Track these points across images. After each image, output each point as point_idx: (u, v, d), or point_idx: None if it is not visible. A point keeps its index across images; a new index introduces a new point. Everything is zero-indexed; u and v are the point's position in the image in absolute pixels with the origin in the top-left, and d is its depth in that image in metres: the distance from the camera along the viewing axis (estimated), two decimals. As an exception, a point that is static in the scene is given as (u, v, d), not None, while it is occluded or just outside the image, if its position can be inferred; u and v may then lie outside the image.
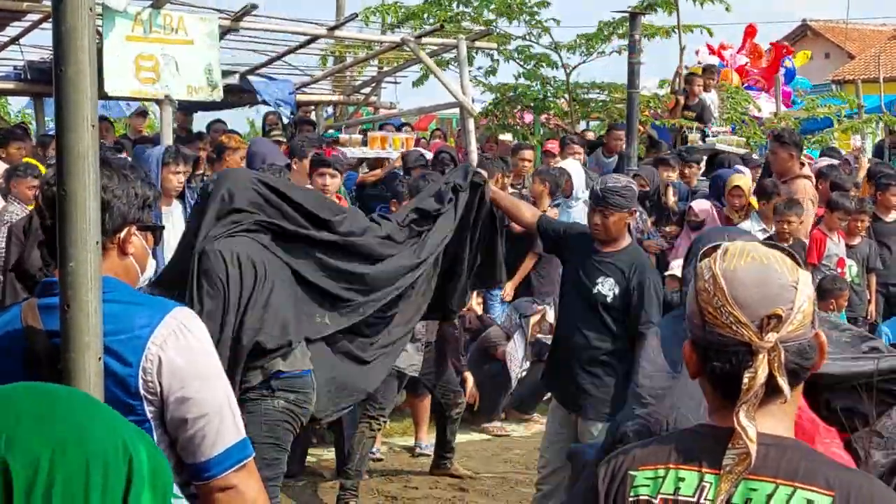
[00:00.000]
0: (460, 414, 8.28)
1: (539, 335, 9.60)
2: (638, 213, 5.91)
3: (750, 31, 19.67)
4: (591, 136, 15.99)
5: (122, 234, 2.77)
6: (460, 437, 9.23)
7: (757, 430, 2.02)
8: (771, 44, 19.88)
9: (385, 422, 7.98)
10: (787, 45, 21.08)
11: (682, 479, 2.07)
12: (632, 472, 2.13)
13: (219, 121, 14.48)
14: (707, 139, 14.13)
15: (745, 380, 2.02)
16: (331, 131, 15.23)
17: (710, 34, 16.82)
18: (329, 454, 8.32)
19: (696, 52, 18.33)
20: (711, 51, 18.50)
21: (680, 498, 2.06)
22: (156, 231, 2.90)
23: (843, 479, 2.00)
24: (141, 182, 2.79)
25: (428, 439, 8.78)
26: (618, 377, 5.86)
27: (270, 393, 5.16)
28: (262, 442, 4.99)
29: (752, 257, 2.09)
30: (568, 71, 16.32)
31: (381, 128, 15.38)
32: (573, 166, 10.90)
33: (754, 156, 13.94)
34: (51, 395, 1.57)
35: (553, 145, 13.45)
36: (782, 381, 2.02)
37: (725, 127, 15.03)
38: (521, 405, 9.87)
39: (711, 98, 15.08)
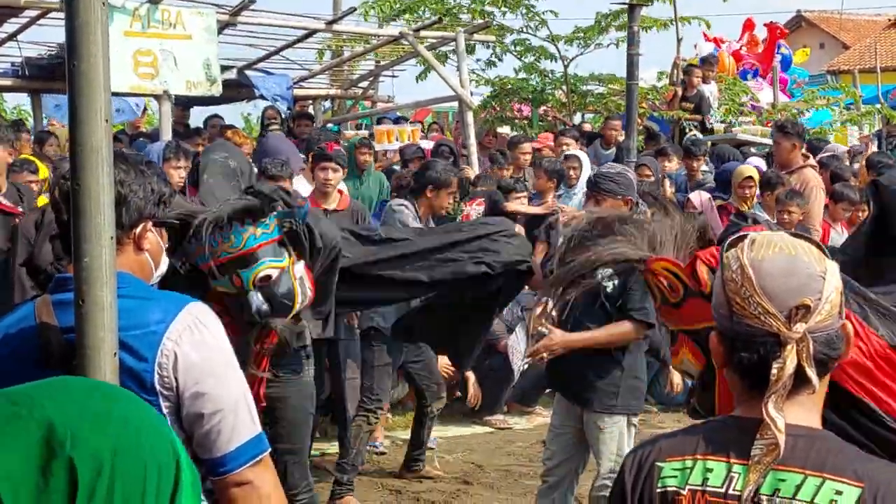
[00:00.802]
0: (440, 410, 8.19)
1: (541, 328, 9.57)
2: (638, 204, 5.83)
3: (748, 26, 19.69)
4: (587, 128, 16.01)
5: (139, 230, 2.75)
6: (463, 431, 9.25)
7: (785, 420, 2.01)
8: (765, 24, 19.86)
9: (382, 414, 7.95)
10: (780, 26, 21.03)
11: (710, 470, 2.06)
12: (659, 464, 2.12)
13: (216, 116, 14.46)
14: (732, 129, 14.12)
15: (774, 370, 2.01)
16: (329, 125, 15.22)
17: (708, 26, 16.86)
18: (333, 448, 8.30)
19: (695, 46, 18.34)
20: (707, 38, 18.50)
21: (708, 489, 2.05)
22: (171, 229, 2.89)
23: (872, 471, 2.00)
24: (157, 178, 2.78)
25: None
26: (622, 368, 5.84)
27: (305, 362, 5.20)
28: (304, 413, 5.11)
29: (780, 247, 2.07)
30: (566, 63, 16.32)
31: (378, 122, 15.38)
32: (582, 156, 10.92)
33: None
34: (105, 392, 1.57)
35: (546, 137, 13.47)
36: (811, 372, 2.01)
37: (724, 118, 15.04)
38: (524, 398, 9.87)
39: (710, 89, 15.10)
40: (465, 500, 7.53)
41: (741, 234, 2.16)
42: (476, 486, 7.80)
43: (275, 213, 4.19)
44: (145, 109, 16.46)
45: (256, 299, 4.10)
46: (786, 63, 19.75)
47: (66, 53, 2.38)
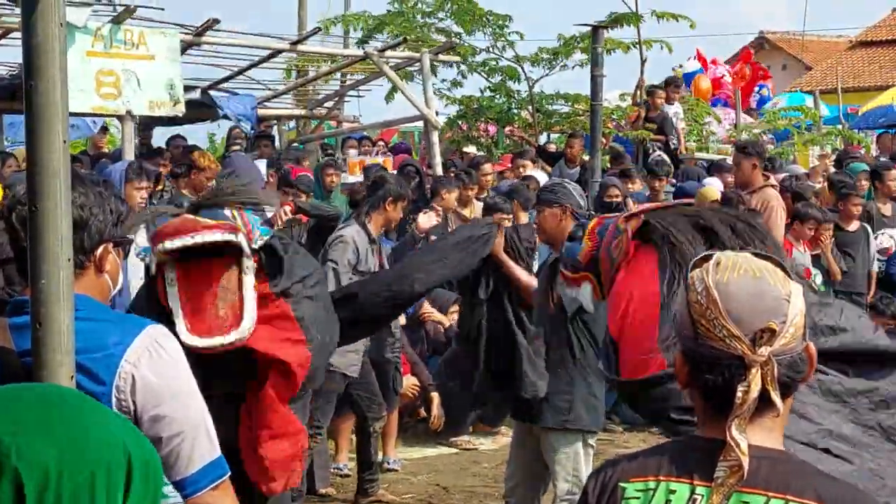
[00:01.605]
0: (381, 429, 8.13)
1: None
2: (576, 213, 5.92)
3: (745, 57, 19.93)
4: (552, 147, 16.07)
5: (100, 252, 2.73)
6: (429, 452, 9.21)
7: (748, 442, 2.01)
8: (751, 63, 20.13)
9: (323, 438, 7.83)
10: (764, 68, 21.33)
11: (673, 492, 2.06)
12: (622, 485, 2.11)
13: (178, 136, 14.40)
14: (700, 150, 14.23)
15: (739, 394, 2.00)
16: (295, 145, 15.19)
17: (670, 50, 16.98)
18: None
19: (689, 59, 18.53)
20: (700, 56, 18.70)
21: None
22: (125, 245, 2.86)
23: (834, 492, 2.00)
24: (115, 198, 2.76)
25: (395, 454, 8.74)
26: (575, 385, 5.85)
27: None
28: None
29: (745, 269, 2.07)
30: (531, 84, 16.39)
31: (343, 143, 15.36)
32: (541, 176, 10.95)
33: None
34: (49, 397, 1.56)
35: (507, 159, 13.56)
36: (775, 396, 2.01)
37: (688, 139, 15.16)
38: (489, 418, 9.83)
39: (675, 110, 15.20)
40: (430, 522, 7.52)
41: (706, 253, 2.16)
42: (441, 508, 7.78)
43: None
44: (106, 128, 16.35)
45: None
46: (761, 102, 20.03)
47: (24, 74, 2.36)
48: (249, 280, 4.00)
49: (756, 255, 2.14)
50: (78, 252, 2.56)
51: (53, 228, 2.35)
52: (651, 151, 14.13)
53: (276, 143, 15.67)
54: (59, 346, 2.37)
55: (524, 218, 9.45)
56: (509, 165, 13.56)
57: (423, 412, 9.42)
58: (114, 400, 2.55)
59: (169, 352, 2.63)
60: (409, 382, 8.93)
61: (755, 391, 2.00)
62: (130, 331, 2.60)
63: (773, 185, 9.70)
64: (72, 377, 2.38)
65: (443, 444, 9.48)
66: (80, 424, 1.50)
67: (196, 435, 2.62)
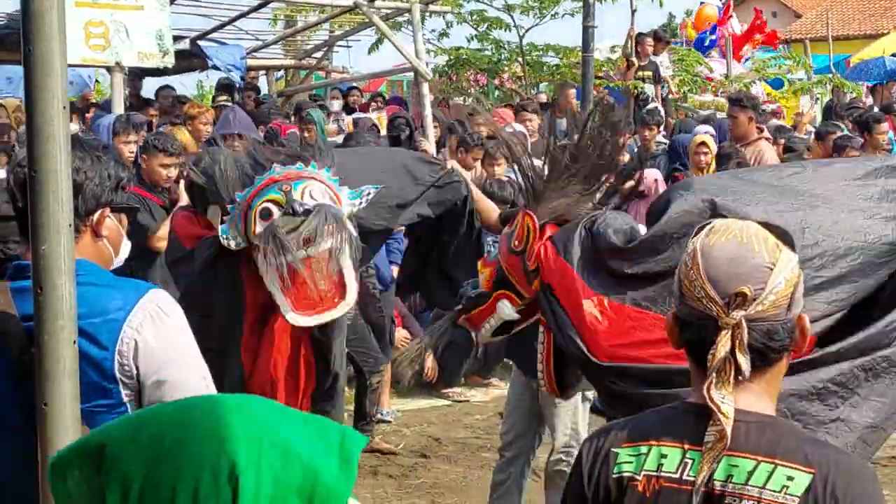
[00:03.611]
0: (381, 383, 8.16)
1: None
2: None
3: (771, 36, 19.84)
4: (542, 97, 15.98)
5: (96, 217, 2.73)
6: (421, 404, 9.26)
7: (737, 407, 2.05)
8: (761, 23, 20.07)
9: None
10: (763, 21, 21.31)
11: (665, 456, 2.10)
12: (615, 450, 2.15)
13: (167, 86, 14.30)
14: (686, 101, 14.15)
15: (710, 355, 2.05)
16: (283, 97, 15.13)
17: (661, 3, 16.88)
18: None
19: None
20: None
21: (663, 474, 2.08)
22: (129, 213, 2.86)
23: (823, 455, 2.03)
24: (114, 163, 2.75)
25: (389, 405, 8.79)
26: None
27: None
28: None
29: (734, 235, 2.11)
30: (521, 34, 16.30)
31: (332, 92, 15.28)
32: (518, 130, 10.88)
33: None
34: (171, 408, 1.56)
35: (505, 113, 13.39)
36: (742, 359, 2.05)
37: (679, 88, 15.08)
38: (480, 369, 9.89)
39: (660, 59, 15.09)
40: (422, 473, 7.56)
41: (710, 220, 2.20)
42: (433, 460, 7.83)
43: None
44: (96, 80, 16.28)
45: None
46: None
47: (22, 38, 2.34)
48: (346, 250, 4.01)
49: (763, 224, 2.16)
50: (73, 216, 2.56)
51: (54, 194, 2.35)
52: (650, 100, 13.96)
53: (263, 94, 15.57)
54: (60, 310, 2.38)
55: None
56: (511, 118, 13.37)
57: (416, 364, 9.44)
58: (116, 365, 2.56)
59: (171, 317, 2.63)
60: (400, 335, 8.94)
61: (721, 352, 2.04)
62: (133, 295, 2.60)
63: (766, 138, 9.68)
64: (73, 342, 2.40)
65: (435, 395, 9.53)
66: (171, 438, 1.46)
67: None
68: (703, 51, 17.56)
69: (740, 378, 2.05)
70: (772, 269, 2.06)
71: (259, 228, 3.94)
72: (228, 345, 4.12)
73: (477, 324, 4.33)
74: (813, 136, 12.25)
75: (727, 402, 2.03)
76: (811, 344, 3.06)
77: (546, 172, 4.08)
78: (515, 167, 4.28)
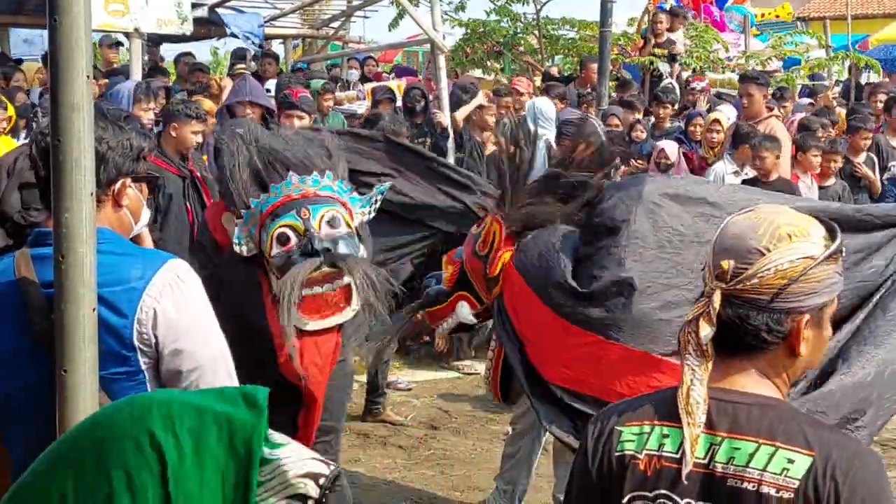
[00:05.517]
0: (391, 355, 8.19)
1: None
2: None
3: None
4: (554, 70, 15.91)
5: (117, 186, 2.75)
6: (429, 376, 9.30)
7: (734, 388, 2.10)
8: None
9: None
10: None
11: (667, 436, 2.13)
12: (618, 428, 2.19)
13: (187, 53, 14.30)
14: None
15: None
16: (300, 64, 15.11)
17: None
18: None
19: None
20: None
21: (664, 454, 2.12)
22: (150, 182, 2.88)
23: (824, 439, 2.05)
24: (136, 133, 2.77)
25: (402, 374, 8.84)
26: None
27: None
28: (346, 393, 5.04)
29: (754, 216, 2.14)
30: (538, 6, 16.23)
31: (349, 62, 15.27)
32: (543, 102, 10.89)
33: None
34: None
35: (520, 83, 13.32)
36: (704, 323, 2.08)
37: (696, 65, 15.00)
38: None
39: (677, 36, 15.02)
40: (432, 444, 7.61)
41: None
42: (443, 431, 7.88)
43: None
44: (120, 43, 16.28)
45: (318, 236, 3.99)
46: (721, 1, 19.59)
47: (48, 10, 2.36)
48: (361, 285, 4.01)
49: (797, 208, 2.22)
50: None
51: (77, 163, 2.37)
52: (665, 77, 13.93)
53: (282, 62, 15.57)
54: (80, 278, 2.41)
55: None
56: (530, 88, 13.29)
57: (426, 336, 9.47)
58: (135, 333, 2.59)
59: (190, 286, 2.66)
60: (411, 306, 8.98)
61: (691, 315, 2.11)
62: (153, 265, 2.63)
63: (777, 116, 9.64)
64: (93, 309, 2.43)
65: (444, 367, 9.56)
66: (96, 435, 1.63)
67: (216, 370, 2.66)
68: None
69: (762, 359, 2.10)
70: (763, 254, 2.08)
71: (276, 250, 3.94)
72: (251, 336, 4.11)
73: (435, 321, 4.43)
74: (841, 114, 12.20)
75: (697, 378, 2.07)
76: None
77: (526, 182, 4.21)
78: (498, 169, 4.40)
